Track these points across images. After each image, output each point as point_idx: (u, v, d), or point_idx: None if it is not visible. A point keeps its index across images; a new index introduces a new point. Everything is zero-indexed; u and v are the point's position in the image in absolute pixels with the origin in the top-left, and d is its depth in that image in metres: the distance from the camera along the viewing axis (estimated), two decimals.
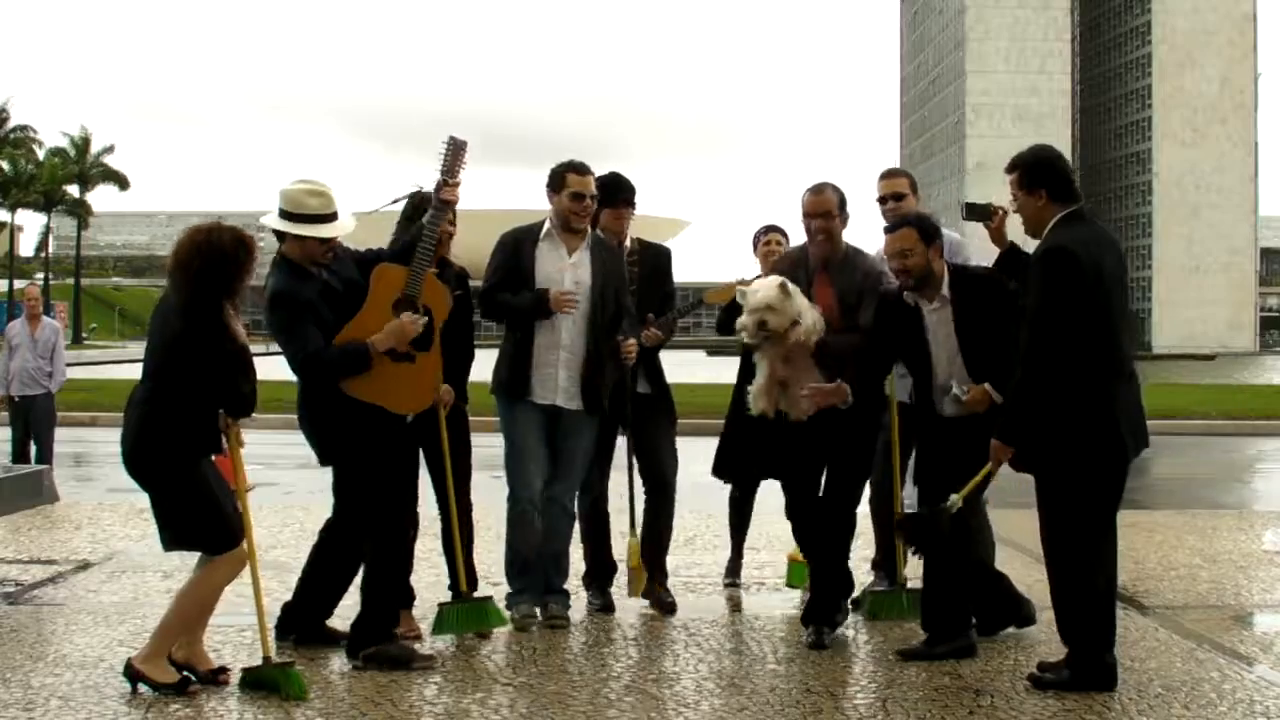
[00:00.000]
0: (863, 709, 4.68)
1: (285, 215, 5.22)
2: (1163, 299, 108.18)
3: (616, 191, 6.14)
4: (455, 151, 5.43)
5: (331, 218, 5.23)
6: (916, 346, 5.42)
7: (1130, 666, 5.10)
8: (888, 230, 5.51)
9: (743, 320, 5.51)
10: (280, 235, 5.26)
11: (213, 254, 4.80)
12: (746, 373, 5.97)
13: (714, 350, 50.18)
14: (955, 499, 5.18)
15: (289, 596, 5.62)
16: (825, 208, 5.59)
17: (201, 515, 4.84)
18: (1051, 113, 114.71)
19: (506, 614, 5.81)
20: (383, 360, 5.21)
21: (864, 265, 5.68)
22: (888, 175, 6.27)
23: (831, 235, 5.62)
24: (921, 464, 5.62)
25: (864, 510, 6.32)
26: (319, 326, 5.19)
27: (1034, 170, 5.02)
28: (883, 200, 6.09)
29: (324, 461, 5.40)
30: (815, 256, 5.66)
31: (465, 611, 5.68)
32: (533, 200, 8.14)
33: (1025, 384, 4.88)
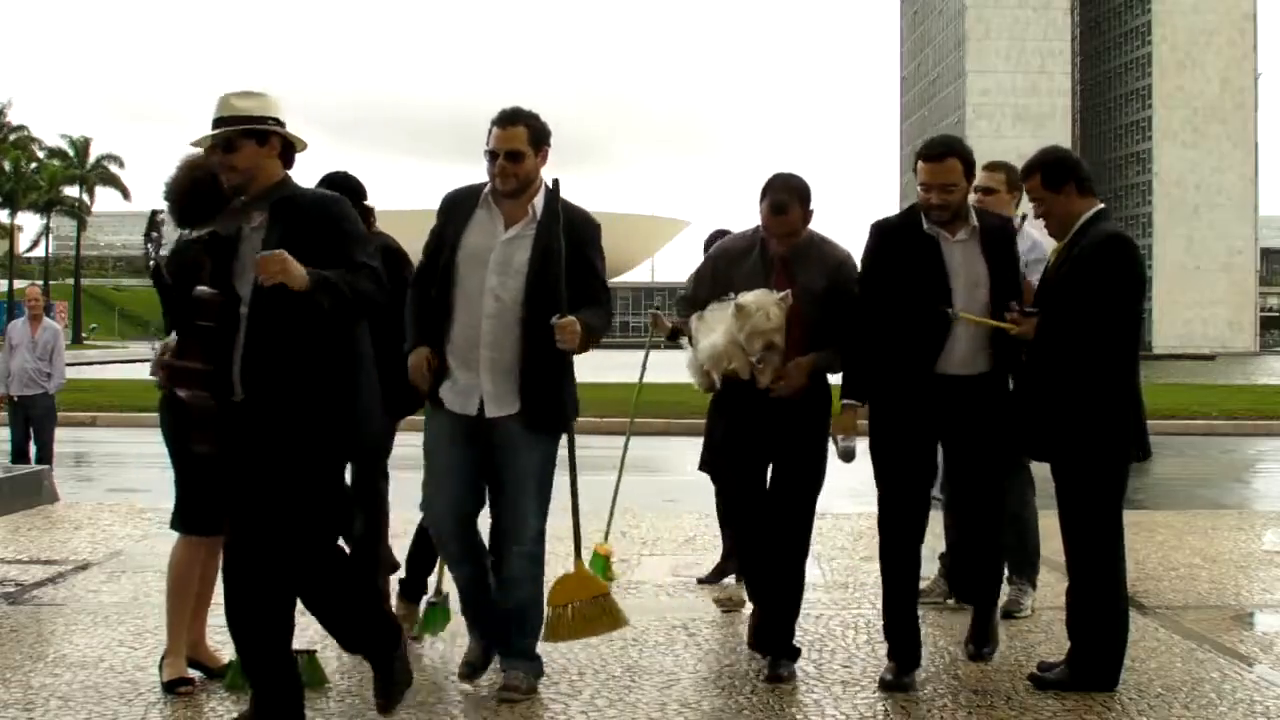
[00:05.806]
0: (862, 709, 4.68)
1: None
2: (1163, 299, 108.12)
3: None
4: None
5: (220, 122, 4.12)
6: (931, 277, 5.00)
7: (1130, 666, 5.09)
8: (932, 159, 4.99)
9: (738, 340, 4.96)
10: None
11: None
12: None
13: None
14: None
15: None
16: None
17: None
18: (1051, 113, 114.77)
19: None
20: None
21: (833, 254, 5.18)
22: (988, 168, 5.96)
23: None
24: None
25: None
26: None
27: (1054, 168, 4.97)
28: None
29: None
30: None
31: (438, 611, 5.58)
32: None
33: (1091, 370, 4.75)
